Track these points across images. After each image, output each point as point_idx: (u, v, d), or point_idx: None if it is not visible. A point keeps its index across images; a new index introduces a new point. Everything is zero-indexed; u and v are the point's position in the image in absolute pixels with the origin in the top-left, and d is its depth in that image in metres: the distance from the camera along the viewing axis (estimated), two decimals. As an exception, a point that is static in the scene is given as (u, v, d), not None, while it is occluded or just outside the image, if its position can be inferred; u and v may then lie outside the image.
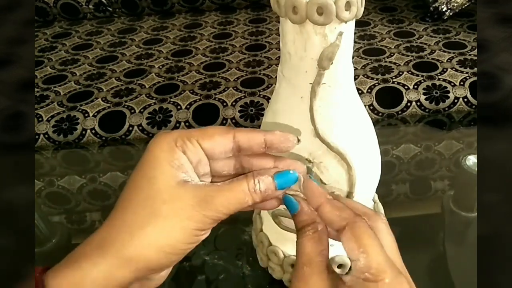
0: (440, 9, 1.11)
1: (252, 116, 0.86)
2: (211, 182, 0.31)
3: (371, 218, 0.30)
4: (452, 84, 0.89)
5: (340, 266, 0.45)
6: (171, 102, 0.89)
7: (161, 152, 0.28)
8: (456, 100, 0.87)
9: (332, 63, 0.34)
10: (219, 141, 0.30)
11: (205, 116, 0.87)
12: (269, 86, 0.92)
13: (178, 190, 0.27)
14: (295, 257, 0.45)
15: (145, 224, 0.26)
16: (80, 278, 0.25)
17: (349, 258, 0.28)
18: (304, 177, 0.31)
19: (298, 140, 0.31)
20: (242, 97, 0.89)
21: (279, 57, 0.37)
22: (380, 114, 0.87)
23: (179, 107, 0.88)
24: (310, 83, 0.35)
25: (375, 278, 0.26)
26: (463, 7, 1.10)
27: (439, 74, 0.91)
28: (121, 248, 0.26)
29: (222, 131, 0.30)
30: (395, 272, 0.27)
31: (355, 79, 0.39)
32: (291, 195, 0.31)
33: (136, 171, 0.28)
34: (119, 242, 0.26)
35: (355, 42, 0.41)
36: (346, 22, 0.33)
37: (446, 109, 0.88)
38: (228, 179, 0.30)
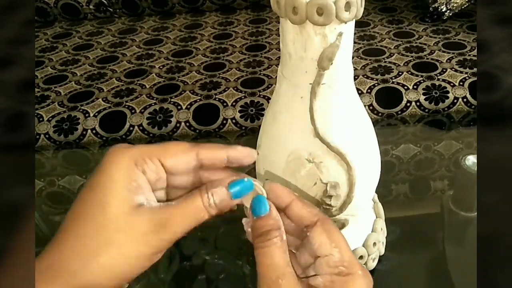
0: (439, 9, 1.12)
1: (252, 116, 0.86)
2: (167, 195, 0.30)
3: (325, 219, 0.30)
4: (452, 84, 0.89)
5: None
6: (172, 102, 0.89)
7: (117, 172, 0.26)
8: (455, 100, 0.87)
9: (332, 63, 0.34)
10: (182, 159, 0.29)
11: (205, 116, 0.87)
12: (269, 86, 0.92)
13: (133, 217, 0.26)
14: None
15: (99, 252, 0.25)
16: None
17: (317, 254, 0.28)
18: (261, 184, 0.30)
19: (257, 154, 0.31)
20: (242, 97, 0.89)
21: (279, 57, 0.37)
22: (380, 114, 0.87)
23: (179, 107, 0.88)
24: (310, 83, 0.35)
25: (349, 271, 0.27)
26: (463, 7, 1.10)
27: (438, 74, 0.91)
28: (73, 277, 0.25)
29: (185, 148, 0.29)
30: (361, 265, 0.28)
31: (354, 79, 0.39)
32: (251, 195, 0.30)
33: (89, 189, 0.26)
34: (69, 270, 0.25)
35: (354, 42, 0.41)
36: (346, 23, 0.33)
37: (446, 109, 0.88)
38: (184, 193, 0.29)
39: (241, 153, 0.30)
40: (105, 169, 0.27)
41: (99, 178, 0.27)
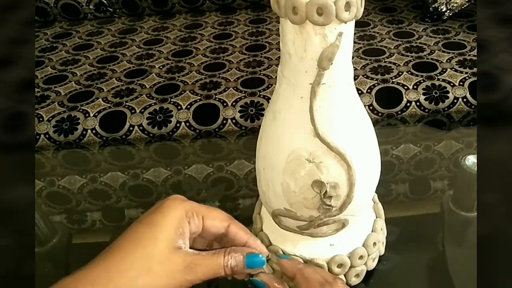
0: (439, 9, 1.12)
1: (252, 116, 0.86)
2: (193, 242, 0.37)
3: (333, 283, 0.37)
4: (452, 84, 0.89)
5: (340, 265, 0.45)
6: (172, 102, 0.89)
7: (172, 217, 0.34)
8: (455, 100, 0.87)
9: (332, 63, 0.34)
10: (218, 225, 0.36)
11: (205, 116, 0.87)
12: (269, 86, 0.92)
13: (173, 255, 0.33)
14: (295, 257, 0.45)
15: (139, 276, 0.31)
16: None
17: None
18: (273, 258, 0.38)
19: (268, 256, 0.38)
20: (242, 97, 0.89)
21: (279, 57, 0.37)
22: (380, 114, 0.88)
23: (179, 107, 0.88)
24: (310, 83, 0.35)
25: None
26: (463, 7, 1.11)
27: (438, 74, 0.91)
28: None
29: (223, 218, 0.37)
30: None
31: (354, 79, 0.39)
32: (260, 273, 0.37)
33: (146, 224, 0.33)
34: (116, 284, 0.30)
35: (354, 42, 0.41)
36: (345, 23, 0.33)
37: (446, 109, 0.88)
38: (206, 245, 0.39)
39: (257, 247, 0.38)
40: (163, 211, 0.34)
41: (157, 217, 0.34)
